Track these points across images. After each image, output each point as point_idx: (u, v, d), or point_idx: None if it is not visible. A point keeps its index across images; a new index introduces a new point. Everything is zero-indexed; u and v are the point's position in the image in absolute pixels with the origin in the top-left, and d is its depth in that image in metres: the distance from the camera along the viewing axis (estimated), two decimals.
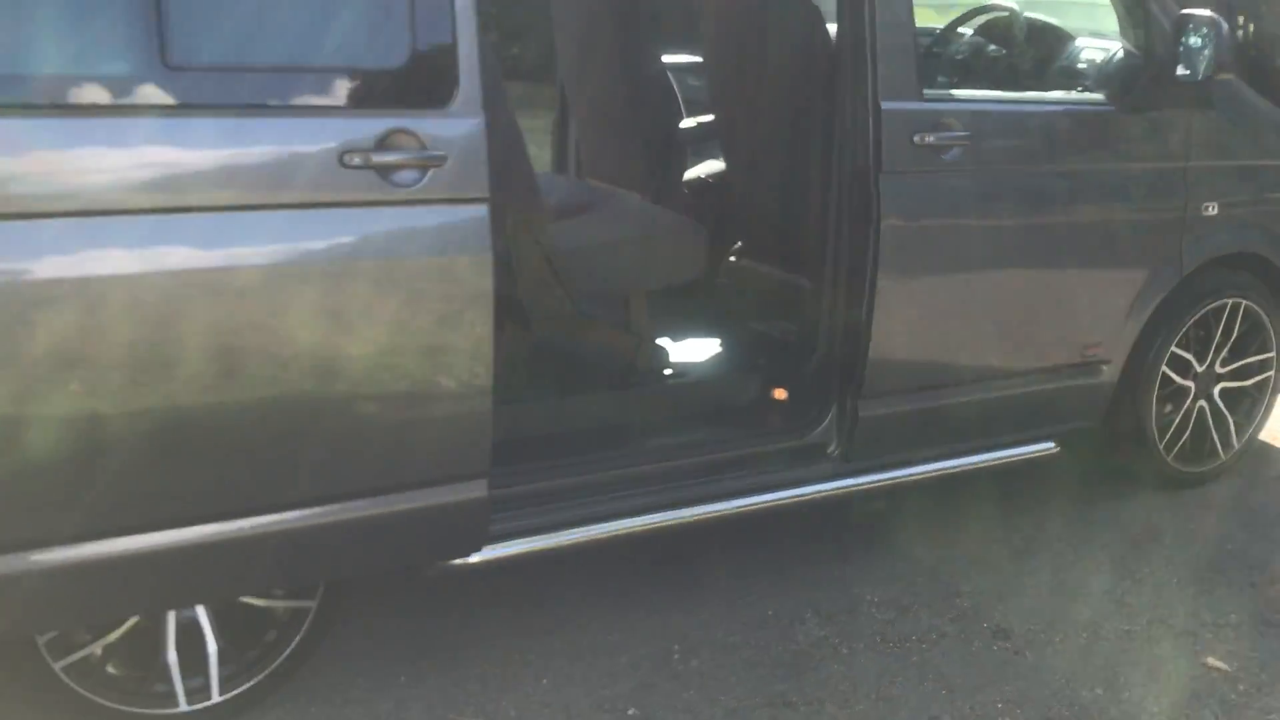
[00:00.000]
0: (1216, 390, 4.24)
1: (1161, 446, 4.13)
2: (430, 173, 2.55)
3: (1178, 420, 4.12)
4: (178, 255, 2.33)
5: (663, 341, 3.74)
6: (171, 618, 2.71)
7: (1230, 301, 4.11)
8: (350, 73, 2.50)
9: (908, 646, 3.19)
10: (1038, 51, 4.08)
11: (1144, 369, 3.99)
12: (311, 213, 2.46)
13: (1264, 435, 4.43)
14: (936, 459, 3.68)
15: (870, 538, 3.77)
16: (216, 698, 2.79)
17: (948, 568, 3.61)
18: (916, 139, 3.30)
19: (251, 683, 2.83)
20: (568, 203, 3.75)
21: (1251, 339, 4.28)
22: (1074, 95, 3.82)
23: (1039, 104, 3.72)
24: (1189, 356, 4.09)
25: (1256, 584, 3.56)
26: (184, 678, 2.75)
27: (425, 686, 2.94)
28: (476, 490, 2.78)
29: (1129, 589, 3.51)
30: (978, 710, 2.93)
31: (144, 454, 2.37)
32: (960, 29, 4.32)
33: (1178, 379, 4.10)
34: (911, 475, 3.62)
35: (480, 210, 2.61)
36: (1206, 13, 3.62)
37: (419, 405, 2.65)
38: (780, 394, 3.59)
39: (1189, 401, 4.16)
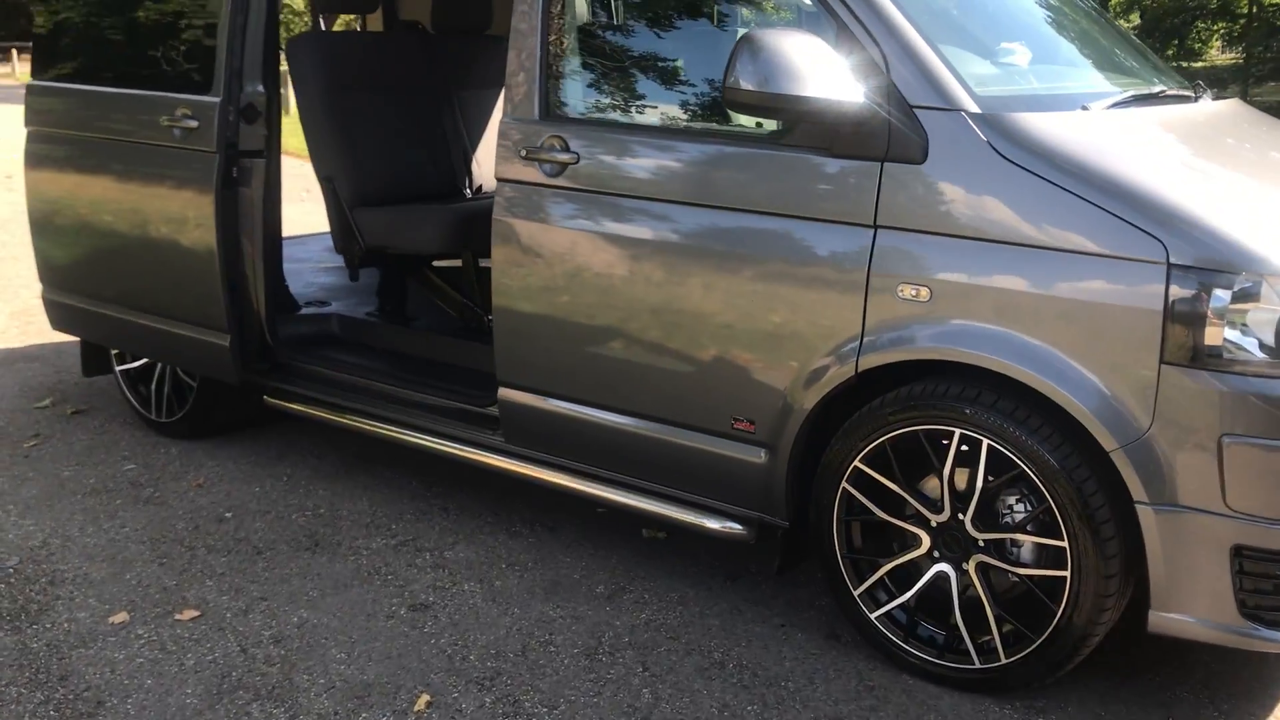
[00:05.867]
0: (973, 563, 2.92)
1: (859, 594, 3.10)
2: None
3: (888, 574, 3.09)
4: None
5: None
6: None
7: (960, 432, 2.84)
8: None
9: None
10: None
11: (819, 476, 3.11)
12: None
13: None
14: (599, 480, 3.61)
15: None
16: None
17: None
18: (523, 154, 3.49)
19: None
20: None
21: (1020, 504, 2.82)
22: (744, 129, 3.18)
23: (689, 133, 3.30)
24: (897, 489, 2.98)
25: None
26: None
27: None
28: (222, 340, 4.35)
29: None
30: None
31: None
32: None
33: (881, 513, 3.02)
34: (561, 483, 3.68)
35: (254, 161, 4.20)
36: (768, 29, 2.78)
37: (177, 282, 4.40)
38: None
39: (919, 556, 3.00)
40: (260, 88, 4.25)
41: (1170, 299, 2.59)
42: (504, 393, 3.74)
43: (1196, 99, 3.45)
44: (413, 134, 4.72)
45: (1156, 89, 3.44)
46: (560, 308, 3.51)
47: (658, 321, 3.32)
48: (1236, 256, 2.57)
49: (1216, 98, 3.56)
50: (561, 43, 3.51)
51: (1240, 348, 2.58)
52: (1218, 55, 29.05)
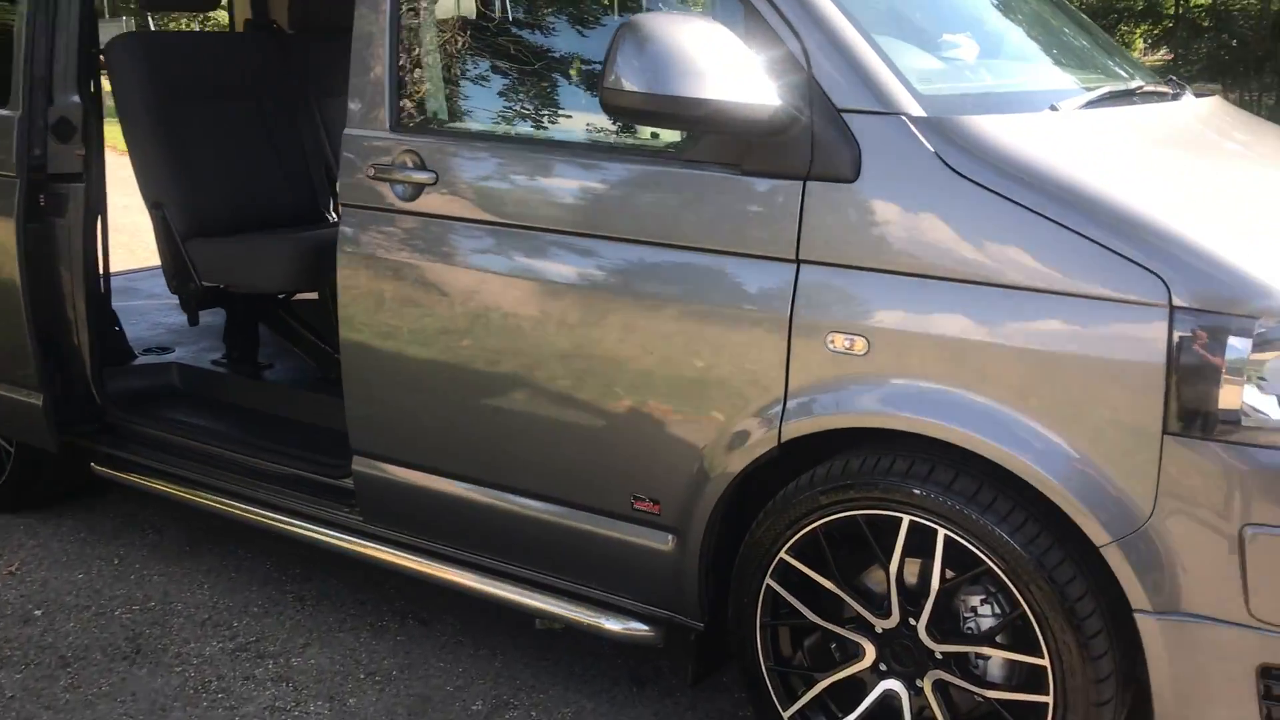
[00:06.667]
0: (928, 680, 2.34)
1: (789, 716, 2.51)
2: None
3: (825, 691, 2.48)
4: None
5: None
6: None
7: (908, 519, 2.25)
8: None
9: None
10: None
11: (738, 571, 2.51)
12: None
13: None
14: (477, 570, 2.98)
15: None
16: None
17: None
18: (370, 173, 2.86)
19: None
20: None
21: (986, 606, 2.24)
22: (638, 141, 2.58)
23: (571, 147, 2.70)
24: (833, 587, 2.39)
25: None
26: None
27: None
28: (34, 399, 3.64)
29: None
30: None
31: None
32: None
33: (813, 616, 2.43)
34: (432, 573, 3.04)
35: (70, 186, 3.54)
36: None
37: None
38: None
39: (863, 670, 2.41)
40: (75, 99, 3.57)
41: (1174, 350, 2.02)
42: (359, 462, 3.08)
43: (1177, 96, 2.91)
44: (263, 150, 4.05)
45: (1133, 85, 2.89)
46: (417, 361, 2.87)
47: (538, 377, 2.69)
48: (1257, 294, 2.00)
49: (1198, 94, 3.02)
50: (417, 38, 2.88)
51: (1264, 412, 2.01)
52: (1141, 56, 29.14)
